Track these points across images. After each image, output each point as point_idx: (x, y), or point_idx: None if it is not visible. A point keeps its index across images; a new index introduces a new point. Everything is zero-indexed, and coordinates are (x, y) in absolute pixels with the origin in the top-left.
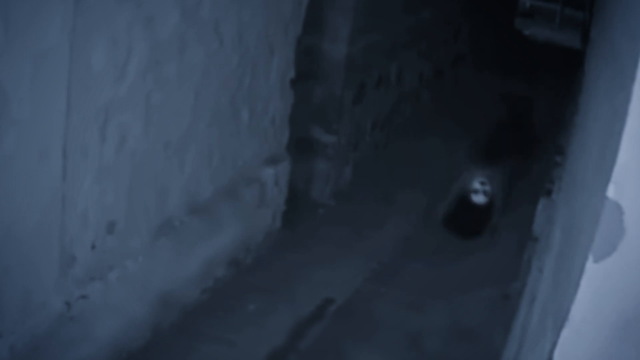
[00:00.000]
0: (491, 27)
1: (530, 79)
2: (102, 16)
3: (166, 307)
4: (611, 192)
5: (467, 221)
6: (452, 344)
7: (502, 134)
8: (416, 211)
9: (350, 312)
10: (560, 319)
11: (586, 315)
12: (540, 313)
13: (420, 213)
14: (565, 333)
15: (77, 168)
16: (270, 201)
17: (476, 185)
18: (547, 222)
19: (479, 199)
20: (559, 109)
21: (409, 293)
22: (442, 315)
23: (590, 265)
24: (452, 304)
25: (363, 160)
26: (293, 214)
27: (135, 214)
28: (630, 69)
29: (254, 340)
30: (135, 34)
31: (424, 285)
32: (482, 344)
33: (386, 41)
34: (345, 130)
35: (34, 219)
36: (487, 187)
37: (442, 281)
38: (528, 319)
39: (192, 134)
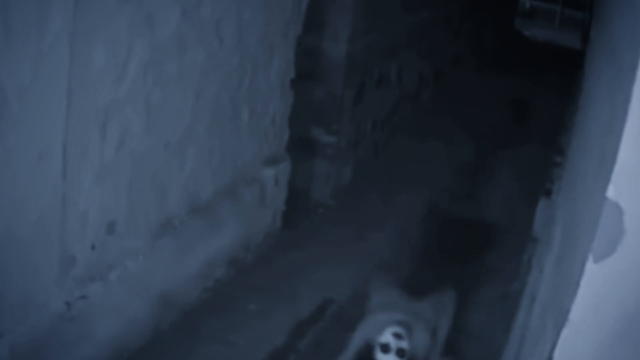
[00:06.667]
0: (491, 27)
1: (530, 79)
2: (102, 16)
3: (166, 307)
4: (611, 192)
5: None
6: (452, 344)
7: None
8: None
9: (350, 312)
10: (560, 319)
11: (586, 315)
12: (540, 313)
13: None
14: (565, 333)
15: (77, 168)
16: (270, 201)
17: (387, 337)
18: (547, 222)
19: None
20: (559, 109)
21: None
22: None
23: (590, 265)
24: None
25: (363, 160)
26: (293, 214)
27: (136, 214)
28: (630, 69)
29: (254, 340)
30: (135, 34)
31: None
32: (482, 344)
33: (386, 41)
34: (345, 130)
35: (34, 219)
36: (405, 344)
37: None
38: (528, 319)
39: (192, 133)
